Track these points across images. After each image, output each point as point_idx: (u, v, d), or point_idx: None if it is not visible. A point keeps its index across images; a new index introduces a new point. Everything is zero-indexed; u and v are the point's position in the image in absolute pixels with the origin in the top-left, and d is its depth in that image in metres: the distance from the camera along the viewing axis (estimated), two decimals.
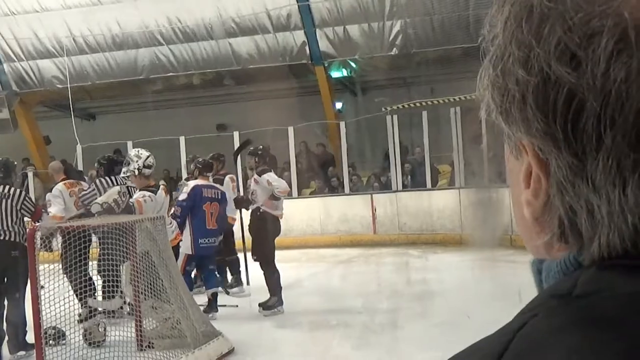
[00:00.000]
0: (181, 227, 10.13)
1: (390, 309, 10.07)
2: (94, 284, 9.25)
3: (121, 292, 8.64)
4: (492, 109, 0.70)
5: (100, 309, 8.86)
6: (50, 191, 10.34)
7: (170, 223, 9.49)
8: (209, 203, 10.26)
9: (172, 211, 10.10)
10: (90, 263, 9.37)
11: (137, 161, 9.30)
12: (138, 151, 9.56)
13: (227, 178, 11.97)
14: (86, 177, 12.42)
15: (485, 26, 0.70)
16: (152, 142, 15.16)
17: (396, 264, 14.09)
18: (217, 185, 10.90)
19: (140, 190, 9.34)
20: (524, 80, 0.64)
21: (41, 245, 8.05)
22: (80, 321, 8.71)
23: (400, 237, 16.25)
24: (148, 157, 9.38)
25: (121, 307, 8.82)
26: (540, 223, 0.69)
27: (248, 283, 10.86)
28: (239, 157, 12.56)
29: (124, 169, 9.56)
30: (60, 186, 10.16)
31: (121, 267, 8.37)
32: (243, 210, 11.15)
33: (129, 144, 16.79)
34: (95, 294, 9.30)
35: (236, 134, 17.42)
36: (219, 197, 10.48)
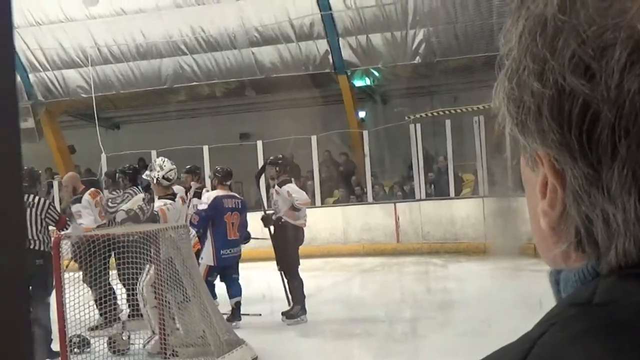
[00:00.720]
0: (202, 238, 10.15)
1: (412, 318, 10.04)
2: (114, 292, 9.32)
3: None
4: (507, 121, 0.71)
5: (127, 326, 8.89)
6: (75, 202, 10.39)
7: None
8: (230, 213, 10.26)
9: (189, 218, 10.09)
10: (110, 272, 9.47)
11: (158, 171, 9.35)
12: (163, 161, 9.59)
13: (204, 192, 12.02)
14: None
15: (500, 40, 0.71)
16: (175, 152, 15.22)
17: (419, 273, 14.05)
18: (237, 195, 10.89)
19: (159, 198, 9.40)
20: (539, 93, 0.64)
21: (73, 255, 8.15)
22: (91, 329, 8.77)
23: (423, 246, 16.17)
24: (170, 170, 9.41)
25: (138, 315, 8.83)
26: (556, 233, 0.69)
27: (289, 303, 10.49)
28: (261, 178, 12.50)
29: (146, 172, 9.64)
30: (87, 196, 10.26)
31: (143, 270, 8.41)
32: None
33: (153, 153, 16.88)
34: (116, 303, 9.35)
35: (259, 143, 17.46)
36: (240, 206, 10.48)
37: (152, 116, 22.60)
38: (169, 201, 9.27)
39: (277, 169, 10.45)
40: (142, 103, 21.62)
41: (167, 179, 9.38)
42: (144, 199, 9.39)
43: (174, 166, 9.57)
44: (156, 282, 8.01)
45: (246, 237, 10.69)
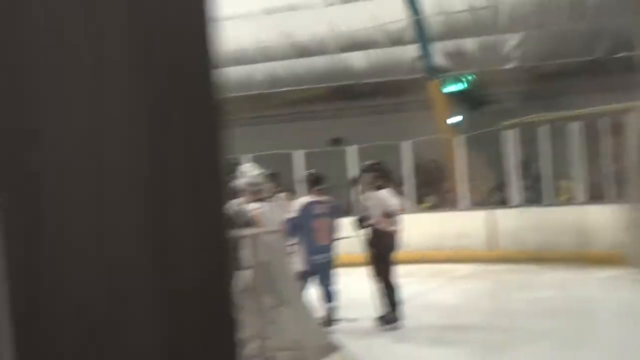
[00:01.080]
0: (292, 244, 10.11)
1: (508, 327, 9.83)
2: None
3: None
4: None
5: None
6: None
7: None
8: (320, 219, 10.22)
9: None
10: None
11: (242, 177, 9.41)
12: (248, 167, 9.65)
13: (281, 196, 11.95)
14: None
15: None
16: (266, 156, 15.32)
17: (515, 281, 13.78)
18: (328, 199, 10.79)
19: (251, 202, 9.43)
20: None
21: None
22: None
23: (518, 254, 15.83)
24: (255, 175, 9.46)
25: None
26: None
27: (384, 309, 10.27)
28: (355, 185, 12.43)
29: (236, 180, 9.72)
30: None
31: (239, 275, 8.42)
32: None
33: (245, 157, 17.00)
34: None
35: (350, 149, 17.43)
36: (330, 211, 10.43)
37: (244, 121, 22.82)
38: (260, 204, 9.31)
39: (372, 175, 10.39)
40: (234, 108, 21.83)
41: (253, 184, 9.41)
42: (239, 204, 9.43)
43: (260, 171, 9.60)
44: (252, 286, 8.00)
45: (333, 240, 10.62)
